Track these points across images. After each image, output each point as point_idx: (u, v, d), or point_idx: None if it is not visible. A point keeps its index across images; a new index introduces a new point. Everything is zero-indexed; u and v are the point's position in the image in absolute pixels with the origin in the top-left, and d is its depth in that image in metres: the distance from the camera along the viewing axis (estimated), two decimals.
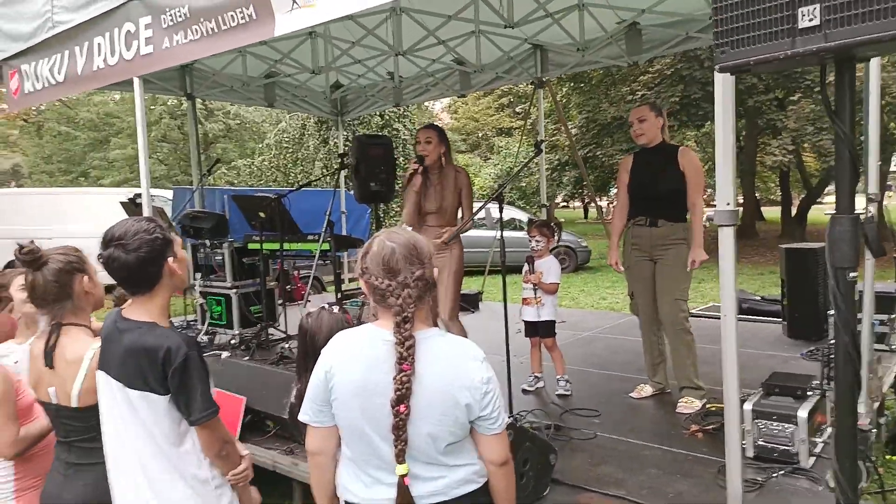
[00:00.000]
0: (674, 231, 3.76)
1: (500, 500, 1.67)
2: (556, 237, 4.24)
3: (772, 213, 27.75)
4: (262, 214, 5.36)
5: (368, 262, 1.59)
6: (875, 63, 3.12)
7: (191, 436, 1.80)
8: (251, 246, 5.65)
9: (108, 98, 26.38)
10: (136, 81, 4.06)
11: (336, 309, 2.18)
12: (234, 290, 5.59)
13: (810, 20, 1.15)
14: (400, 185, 5.82)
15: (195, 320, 6.13)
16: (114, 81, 4.25)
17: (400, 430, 1.51)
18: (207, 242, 5.66)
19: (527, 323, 4.18)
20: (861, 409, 3.02)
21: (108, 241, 1.75)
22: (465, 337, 3.19)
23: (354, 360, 1.59)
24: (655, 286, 3.83)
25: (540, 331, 4.16)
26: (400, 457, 1.52)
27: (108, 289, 2.33)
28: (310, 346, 2.12)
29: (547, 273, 4.09)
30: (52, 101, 7.87)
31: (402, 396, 1.50)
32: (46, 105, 25.25)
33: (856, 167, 1.34)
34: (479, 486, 1.63)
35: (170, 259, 1.80)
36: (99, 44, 4.14)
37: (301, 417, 1.69)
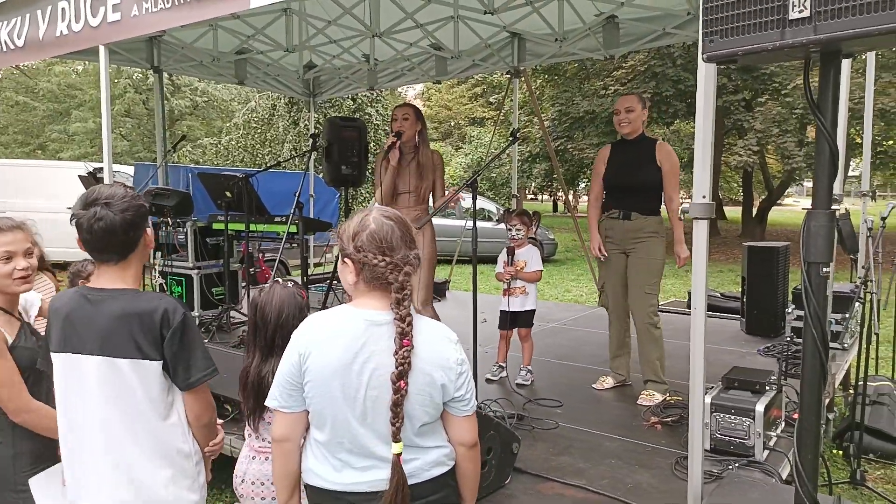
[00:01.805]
0: (647, 224, 3.78)
1: (466, 483, 1.68)
2: (534, 227, 4.23)
3: (733, 212, 28.38)
4: (228, 194, 5.23)
5: (364, 241, 1.55)
6: (845, 68, 3.18)
7: (176, 408, 1.75)
8: (216, 226, 5.51)
9: (71, 68, 25.46)
10: (102, 50, 3.90)
11: (290, 283, 2.15)
12: (196, 271, 5.46)
13: (800, 11, 1.14)
14: (371, 170, 5.75)
15: None
16: (78, 49, 4.06)
17: (399, 406, 1.50)
18: (170, 221, 5.51)
19: (508, 313, 4.14)
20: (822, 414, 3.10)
21: (93, 201, 1.67)
22: None
23: (334, 341, 1.55)
24: (627, 279, 3.86)
25: (521, 320, 4.15)
26: (397, 434, 1.51)
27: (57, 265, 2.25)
28: (259, 319, 2.10)
29: (530, 262, 4.09)
30: (10, 67, 7.54)
31: (403, 372, 1.49)
32: (3, 72, 24.27)
33: (835, 162, 1.34)
34: (449, 468, 1.63)
35: (148, 229, 1.76)
36: (63, 8, 3.96)
37: (269, 403, 1.64)
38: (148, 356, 1.66)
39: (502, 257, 4.15)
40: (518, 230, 4.10)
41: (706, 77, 1.74)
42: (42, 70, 24.93)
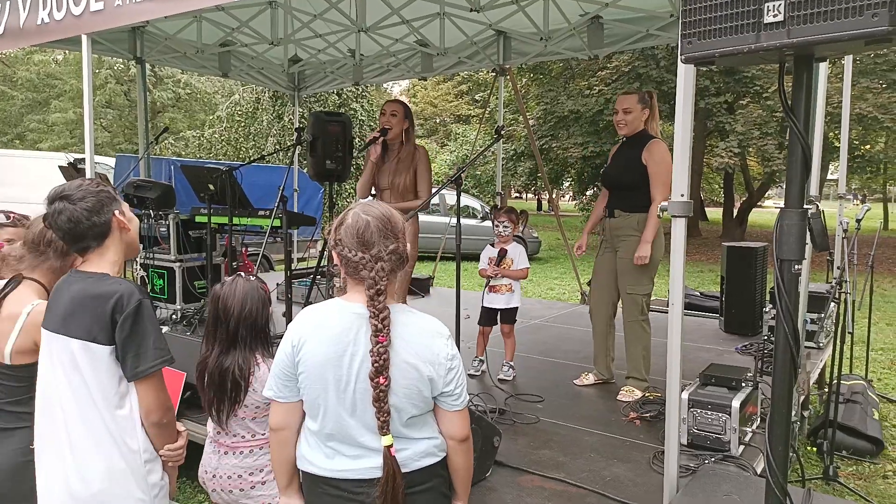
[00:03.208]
0: (628, 222, 3.80)
1: (458, 475, 1.71)
2: (522, 225, 4.25)
3: (714, 213, 28.74)
4: (211, 187, 5.19)
5: (342, 234, 1.58)
6: (823, 73, 3.25)
7: (129, 400, 1.72)
8: (198, 219, 5.48)
9: (51, 58, 25.06)
10: (85, 40, 3.86)
11: (252, 278, 2.15)
12: (178, 264, 5.42)
13: (774, 16, 1.18)
14: (356, 165, 5.75)
15: None
16: (59, 38, 4.02)
17: (381, 401, 1.52)
18: (152, 213, 5.46)
19: (490, 310, 4.16)
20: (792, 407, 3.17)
21: (54, 198, 1.70)
22: None
23: (324, 333, 1.58)
24: (616, 277, 3.90)
25: (504, 317, 4.17)
26: (384, 428, 1.54)
27: None
28: (220, 312, 2.09)
29: (517, 259, 4.12)
30: None
31: (381, 368, 1.51)
32: None
33: (807, 163, 1.38)
34: (439, 459, 1.65)
35: (116, 212, 1.75)
36: None
37: (265, 393, 1.68)
38: (97, 340, 1.65)
39: (487, 253, 4.16)
40: (506, 227, 4.12)
41: (685, 78, 1.78)
42: (20, 58, 24.51)
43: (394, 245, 1.58)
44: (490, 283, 4.12)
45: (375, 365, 1.51)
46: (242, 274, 2.19)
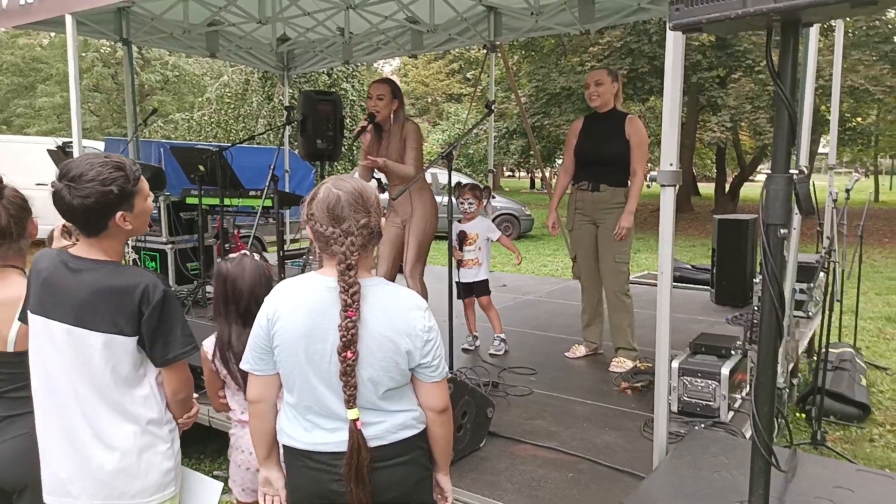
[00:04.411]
0: (615, 196, 3.85)
1: (438, 446, 1.72)
2: (485, 200, 4.29)
3: (707, 188, 28.79)
4: (201, 168, 5.18)
5: (314, 209, 1.58)
6: (813, 42, 3.25)
7: (148, 380, 1.75)
8: (189, 200, 5.47)
9: (36, 42, 24.68)
10: (69, 20, 3.81)
11: (256, 256, 2.16)
12: (170, 246, 5.42)
13: None
14: (347, 145, 5.72)
15: None
16: (43, 18, 3.97)
17: (348, 375, 1.53)
18: None
19: (463, 284, 4.22)
20: (778, 368, 3.22)
21: (63, 175, 1.63)
22: (426, 298, 3.17)
23: (299, 307, 1.59)
24: (598, 249, 3.94)
25: (476, 290, 4.24)
26: (350, 402, 1.55)
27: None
28: (230, 292, 2.10)
29: (483, 233, 4.17)
30: None
31: (349, 342, 1.52)
32: None
33: (793, 128, 1.40)
34: (418, 431, 1.66)
35: (119, 214, 1.67)
36: None
37: (242, 366, 1.70)
38: (123, 332, 1.66)
39: (455, 230, 4.19)
40: (471, 203, 4.16)
41: (674, 46, 1.79)
42: (5, 42, 24.14)
43: (365, 220, 1.57)
44: (463, 258, 4.22)
45: (343, 339, 1.51)
46: (247, 253, 2.19)
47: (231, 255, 2.18)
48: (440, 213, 4.05)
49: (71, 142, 4.29)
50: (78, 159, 1.67)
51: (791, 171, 1.49)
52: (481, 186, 4.32)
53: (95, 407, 1.69)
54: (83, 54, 23.29)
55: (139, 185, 1.71)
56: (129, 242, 5.61)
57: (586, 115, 4.06)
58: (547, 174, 16.06)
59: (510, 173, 41.35)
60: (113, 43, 7.38)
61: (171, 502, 1.80)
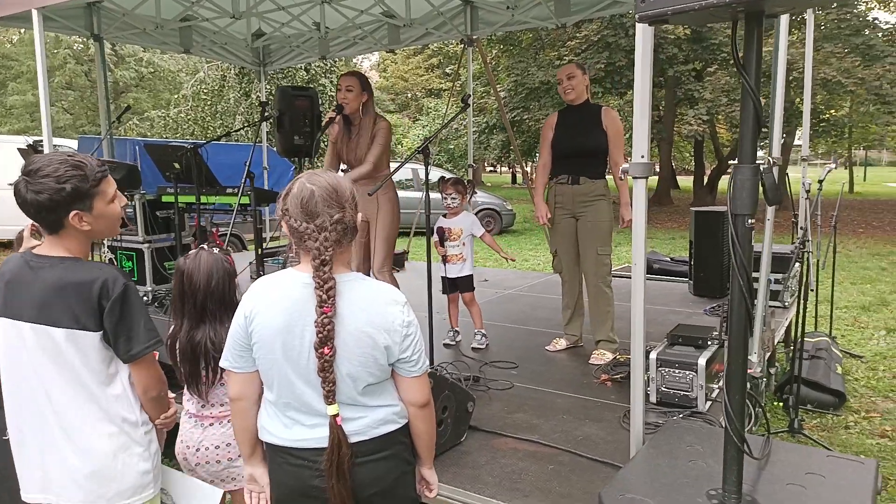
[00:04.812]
0: (595, 188, 3.86)
1: (420, 441, 1.72)
2: (469, 195, 4.28)
3: (686, 182, 29.09)
4: (176, 165, 5.11)
5: (288, 204, 1.57)
6: (783, 35, 3.28)
7: (120, 378, 1.72)
8: (165, 199, 5.40)
9: (5, 39, 24.18)
10: (35, 15, 3.73)
11: (216, 250, 2.14)
12: (147, 245, 5.35)
13: None
14: (326, 141, 5.68)
15: None
16: (9, 13, 3.89)
17: (326, 371, 1.53)
18: None
19: (448, 280, 4.23)
20: (753, 358, 3.26)
21: (23, 170, 1.63)
22: None
23: (276, 303, 1.58)
24: (578, 242, 3.95)
25: (461, 286, 4.23)
26: (329, 397, 1.55)
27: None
28: (187, 287, 2.08)
29: (467, 229, 4.16)
30: None
31: (325, 339, 1.51)
32: None
33: (759, 118, 1.41)
34: (400, 426, 1.66)
35: (73, 213, 1.64)
36: None
37: (222, 364, 1.69)
38: (86, 327, 1.63)
39: (438, 225, 4.20)
40: (453, 198, 4.15)
41: (643, 38, 1.79)
42: None
43: (339, 215, 1.56)
44: (448, 253, 4.21)
45: (319, 336, 1.51)
46: (205, 247, 2.17)
47: (190, 251, 2.16)
48: (440, 210, 4.06)
49: (42, 140, 4.20)
50: (43, 156, 1.66)
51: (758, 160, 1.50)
52: (465, 181, 4.30)
53: (68, 408, 1.67)
54: (55, 51, 22.88)
55: (100, 187, 1.68)
56: (105, 242, 5.53)
57: (560, 110, 4.07)
58: (528, 169, 16.12)
59: (491, 168, 41.39)
60: (85, 39, 7.20)
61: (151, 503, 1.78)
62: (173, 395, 1.94)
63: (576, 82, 3.84)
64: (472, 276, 4.26)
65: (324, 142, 6.06)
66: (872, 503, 1.60)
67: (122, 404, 1.72)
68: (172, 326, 2.14)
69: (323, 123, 3.98)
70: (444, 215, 4.24)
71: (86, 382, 1.67)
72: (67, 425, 1.68)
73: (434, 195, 3.68)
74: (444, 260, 4.20)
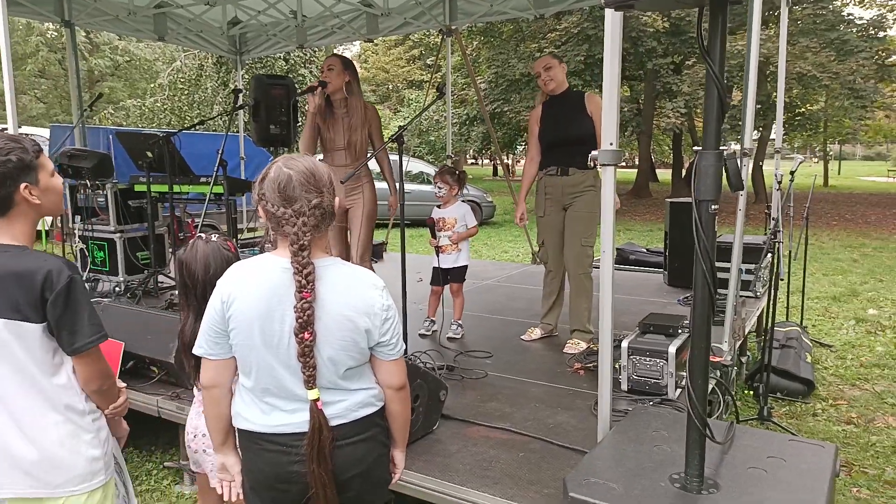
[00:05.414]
0: (584, 178, 3.83)
1: (396, 423, 1.74)
2: (460, 186, 4.25)
3: (665, 174, 29.34)
4: (149, 154, 5.04)
5: (265, 189, 1.56)
6: (756, 29, 3.31)
7: (66, 369, 1.69)
8: (137, 188, 5.32)
9: None
10: None
11: (214, 237, 2.11)
12: (119, 235, 5.26)
13: None
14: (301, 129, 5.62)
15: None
16: None
17: (307, 356, 1.52)
18: (88, 183, 5.26)
19: (441, 270, 4.19)
20: (724, 346, 3.31)
21: None
22: None
23: (254, 288, 1.57)
24: (564, 233, 3.95)
25: (453, 277, 4.22)
26: (310, 382, 1.54)
27: None
28: (187, 278, 2.06)
29: (461, 219, 4.16)
30: None
31: (305, 324, 1.51)
32: None
33: (723, 105, 1.42)
34: (377, 409, 1.68)
35: (23, 185, 1.62)
36: None
37: (196, 351, 1.66)
38: (28, 318, 1.60)
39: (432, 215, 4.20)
40: (440, 188, 4.14)
41: (612, 25, 1.79)
42: None
43: (317, 199, 1.56)
44: (440, 244, 4.18)
45: (300, 321, 1.51)
46: (203, 236, 2.14)
47: (189, 241, 2.13)
48: (419, 201, 4.06)
49: (6, 129, 4.11)
50: None
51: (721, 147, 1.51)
52: (456, 171, 4.27)
53: (13, 397, 1.65)
54: (27, 38, 22.36)
55: (41, 160, 1.67)
56: (77, 231, 5.44)
57: (544, 102, 4.03)
58: (508, 161, 16.15)
59: (473, 161, 41.38)
60: (58, 26, 7.00)
61: (104, 490, 1.75)
62: (124, 384, 1.91)
63: (553, 73, 3.83)
64: (466, 266, 4.25)
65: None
66: (831, 485, 1.63)
67: (68, 393, 1.70)
68: (181, 320, 2.11)
69: (304, 89, 3.95)
70: (439, 206, 4.22)
71: (30, 372, 1.64)
72: (12, 414, 1.65)
73: (423, 188, 3.67)
74: (438, 251, 4.17)
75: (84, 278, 5.26)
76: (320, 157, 4.12)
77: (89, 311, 1.65)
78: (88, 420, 1.73)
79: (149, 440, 3.63)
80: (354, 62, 4.18)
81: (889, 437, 3.77)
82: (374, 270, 4.08)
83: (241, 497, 1.76)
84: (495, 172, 36.55)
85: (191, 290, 2.07)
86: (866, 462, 3.51)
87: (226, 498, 1.80)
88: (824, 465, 1.72)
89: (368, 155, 3.91)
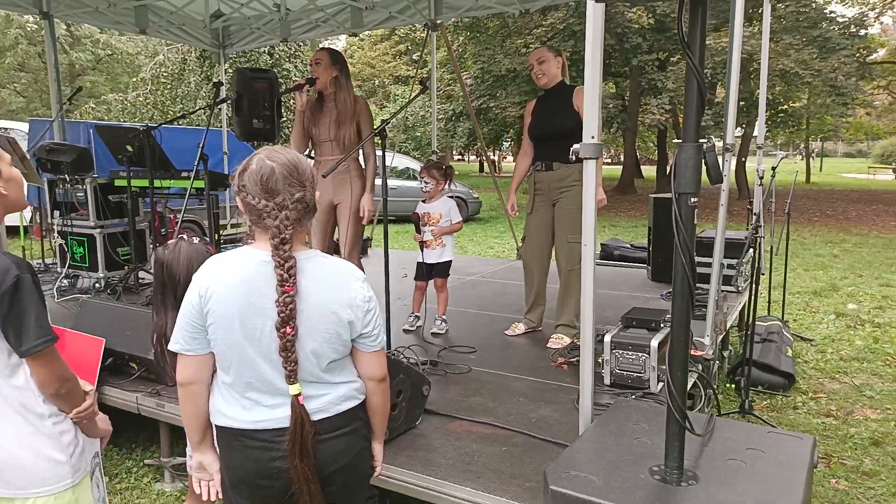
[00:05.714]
0: (570, 173, 3.80)
1: (376, 414, 1.74)
2: (447, 181, 4.23)
3: (650, 171, 29.53)
4: (129, 148, 4.96)
5: (246, 180, 1.53)
6: (738, 24, 3.33)
7: (23, 370, 1.65)
8: (118, 182, 5.24)
9: None
10: None
11: (196, 240, 2.08)
12: (99, 230, 5.19)
13: None
14: (286, 125, 5.58)
15: (54, 263, 5.67)
16: None
17: (288, 350, 1.51)
18: (67, 178, 5.19)
19: (425, 265, 4.18)
20: (706, 341, 3.33)
21: None
22: None
23: (233, 282, 1.54)
24: (553, 229, 3.93)
25: (437, 272, 4.21)
26: (291, 377, 1.53)
27: None
28: (167, 279, 2.03)
29: (446, 214, 4.14)
30: None
31: (287, 318, 1.50)
32: None
33: (703, 97, 1.42)
34: (359, 401, 1.67)
35: None
36: None
37: (172, 347, 1.62)
38: None
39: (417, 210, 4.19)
40: (426, 183, 4.13)
41: (594, 18, 1.79)
42: None
43: (300, 193, 1.54)
44: (424, 239, 4.16)
45: (281, 315, 1.49)
46: (185, 237, 2.11)
47: (169, 241, 2.11)
48: (407, 197, 4.04)
49: None
50: None
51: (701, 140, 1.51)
52: (442, 166, 4.24)
53: None
54: (5, 31, 21.98)
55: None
56: (56, 227, 5.36)
57: (538, 96, 4.01)
58: (495, 158, 16.13)
59: (459, 157, 41.34)
60: (37, 18, 6.85)
61: (74, 492, 1.72)
62: (91, 387, 1.85)
63: (546, 66, 3.80)
64: (450, 262, 4.23)
65: (290, 122, 5.94)
66: (808, 476, 1.65)
67: (25, 395, 1.65)
68: (155, 321, 2.08)
69: (292, 86, 3.90)
70: (424, 200, 4.20)
71: None
72: None
73: (409, 184, 3.65)
74: (422, 246, 4.15)
75: (64, 275, 5.18)
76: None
77: (37, 312, 1.59)
78: (49, 423, 1.69)
79: (129, 437, 3.59)
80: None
81: (867, 430, 3.82)
82: (362, 266, 4.08)
83: (220, 496, 1.74)
84: (482, 169, 36.56)
85: (169, 292, 2.04)
86: (845, 454, 3.55)
87: (204, 497, 1.77)
88: (802, 456, 1.74)
89: (352, 150, 3.87)
